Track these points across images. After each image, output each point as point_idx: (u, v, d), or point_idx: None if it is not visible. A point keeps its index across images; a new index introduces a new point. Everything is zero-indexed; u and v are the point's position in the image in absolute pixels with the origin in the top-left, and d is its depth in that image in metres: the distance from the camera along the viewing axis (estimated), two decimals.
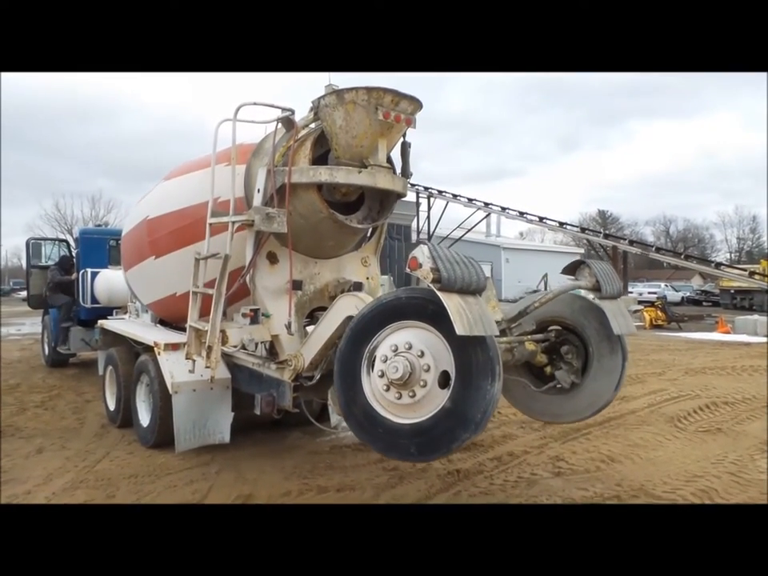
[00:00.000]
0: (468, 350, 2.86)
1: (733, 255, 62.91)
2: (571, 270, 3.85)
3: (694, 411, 6.43)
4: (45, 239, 10.91)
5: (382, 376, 3.07)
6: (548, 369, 3.76)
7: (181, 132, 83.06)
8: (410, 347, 3.01)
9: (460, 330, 2.74)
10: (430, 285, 2.87)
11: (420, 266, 2.90)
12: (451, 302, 2.82)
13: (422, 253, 2.93)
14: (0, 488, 3.48)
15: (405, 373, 2.94)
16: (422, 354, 2.98)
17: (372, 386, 3.16)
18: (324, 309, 4.59)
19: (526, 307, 3.72)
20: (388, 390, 3.05)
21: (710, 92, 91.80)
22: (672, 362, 10.19)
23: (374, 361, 3.17)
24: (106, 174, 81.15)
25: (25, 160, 79.10)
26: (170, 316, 6.07)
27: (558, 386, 3.70)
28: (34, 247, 10.31)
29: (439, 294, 2.83)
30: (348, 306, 3.79)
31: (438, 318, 2.88)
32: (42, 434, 5.75)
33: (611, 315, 3.54)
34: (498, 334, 2.96)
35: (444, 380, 2.98)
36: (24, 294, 46.33)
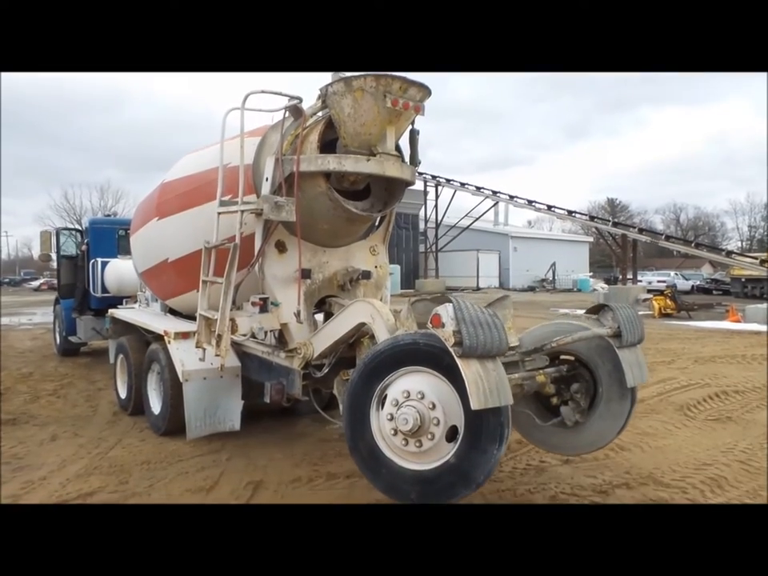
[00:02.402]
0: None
1: (744, 243, 62.32)
2: (594, 311, 3.78)
3: (703, 400, 6.41)
4: (68, 229, 10.92)
5: (391, 419, 3.06)
6: (555, 399, 3.70)
7: (189, 123, 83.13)
8: (423, 397, 2.98)
9: (475, 404, 2.74)
10: (451, 349, 2.82)
11: (443, 325, 2.85)
12: (469, 371, 2.78)
13: (446, 312, 2.86)
14: (0, 484, 3.50)
15: (414, 426, 2.93)
16: (433, 407, 2.96)
17: (380, 425, 3.15)
18: (332, 297, 4.62)
19: (542, 345, 3.64)
20: (395, 434, 3.04)
21: (722, 78, 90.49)
22: (681, 350, 10.15)
23: (384, 399, 3.14)
24: (114, 164, 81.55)
25: (33, 150, 79.54)
26: (160, 288, 6.13)
27: (563, 421, 3.67)
28: (61, 237, 10.36)
29: (458, 360, 2.79)
30: (363, 313, 3.76)
31: (453, 372, 2.85)
32: (55, 422, 5.82)
33: (627, 366, 3.48)
34: (512, 402, 2.92)
35: (452, 433, 2.98)
36: (35, 283, 46.62)
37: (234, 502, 3.73)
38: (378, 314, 3.64)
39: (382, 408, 3.13)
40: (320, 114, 4.30)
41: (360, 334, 3.92)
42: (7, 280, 55.92)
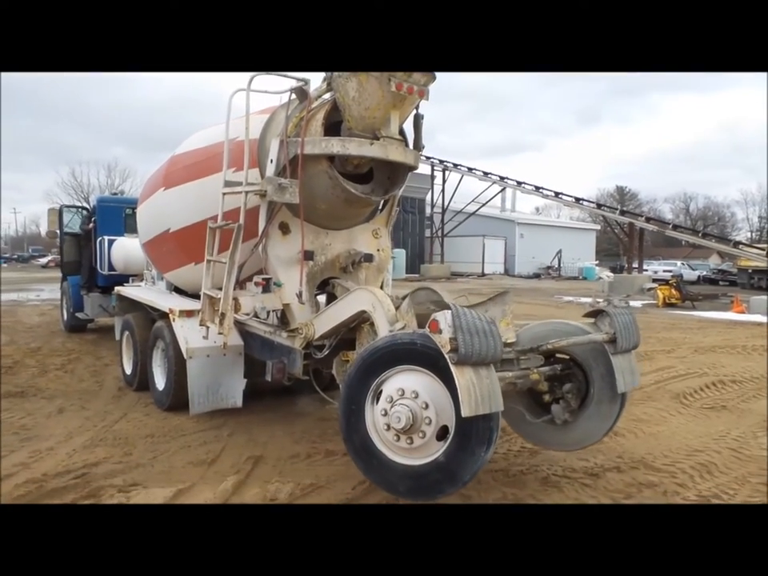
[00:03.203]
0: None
1: (754, 234, 61.82)
2: (592, 315, 3.82)
3: (700, 389, 6.47)
4: (74, 207, 11.01)
5: (385, 415, 3.13)
6: (547, 397, 3.76)
7: (197, 101, 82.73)
8: (416, 396, 3.05)
9: (466, 411, 2.81)
10: (447, 355, 2.88)
11: (440, 331, 2.91)
12: (462, 379, 2.85)
13: (444, 319, 2.92)
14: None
15: (407, 424, 3.01)
16: (426, 407, 3.03)
17: (374, 419, 3.23)
18: (334, 278, 4.69)
19: (539, 345, 3.69)
20: (388, 429, 3.12)
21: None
22: (682, 340, 10.19)
23: (380, 394, 3.21)
24: (121, 142, 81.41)
25: (43, 126, 79.42)
26: (159, 259, 6.22)
27: (552, 419, 3.74)
28: (65, 215, 10.45)
29: (452, 367, 2.85)
30: (364, 301, 3.82)
31: (448, 374, 2.90)
32: (62, 395, 5.96)
33: (619, 372, 3.54)
34: (502, 409, 2.99)
35: (442, 432, 3.05)
36: (43, 260, 46.99)
37: (234, 475, 3.84)
38: (380, 303, 3.70)
39: (377, 403, 3.21)
40: (325, 96, 4.33)
41: (361, 319, 3.99)
42: (15, 256, 56.37)
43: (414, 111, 4.36)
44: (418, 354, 3.08)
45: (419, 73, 3.98)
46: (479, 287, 25.05)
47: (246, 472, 3.93)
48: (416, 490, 3.13)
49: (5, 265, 46.25)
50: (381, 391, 3.22)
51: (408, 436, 3.07)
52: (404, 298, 4.68)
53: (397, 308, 3.80)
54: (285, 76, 4.29)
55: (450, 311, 2.93)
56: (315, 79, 4.31)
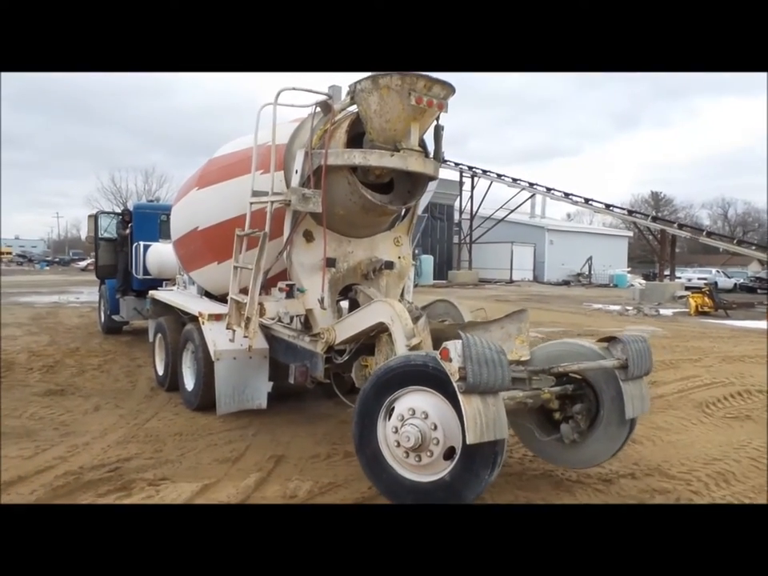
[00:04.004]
0: None
1: None
2: (606, 340, 3.89)
3: (724, 398, 6.40)
4: (111, 213, 11.48)
5: (395, 432, 3.27)
6: (557, 415, 3.84)
7: (235, 106, 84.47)
8: (426, 417, 3.18)
9: (471, 439, 2.93)
10: (455, 384, 3.00)
11: (450, 359, 3.03)
12: (469, 407, 2.96)
13: (454, 348, 3.03)
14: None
15: (416, 443, 3.15)
16: (435, 428, 3.16)
17: (386, 435, 3.37)
18: (356, 285, 4.85)
19: (551, 367, 3.76)
20: (398, 446, 3.26)
21: None
22: (711, 349, 10.02)
23: (392, 411, 3.35)
24: (160, 148, 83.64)
25: (87, 133, 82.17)
26: (187, 258, 6.47)
27: (561, 438, 3.82)
28: (102, 220, 10.92)
29: (460, 395, 2.97)
30: (384, 314, 3.96)
31: (456, 397, 3.02)
32: (98, 394, 6.26)
33: (628, 398, 3.62)
34: (507, 436, 3.12)
35: (449, 452, 3.18)
36: (82, 263, 48.33)
37: (257, 472, 4.02)
38: (398, 317, 3.84)
39: (389, 419, 3.35)
40: (348, 109, 4.51)
41: (380, 329, 4.13)
42: (57, 259, 58.38)
43: (435, 123, 4.50)
44: (429, 376, 3.21)
45: (439, 86, 4.12)
46: (507, 294, 24.95)
47: (268, 470, 4.10)
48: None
49: (47, 268, 47.99)
50: (393, 408, 3.36)
51: (417, 454, 3.21)
52: (424, 308, 4.82)
53: (416, 319, 3.93)
54: (309, 91, 4.49)
55: (460, 341, 3.04)
56: (340, 79, 4.47)
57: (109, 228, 10.88)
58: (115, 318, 10.08)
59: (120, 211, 11.15)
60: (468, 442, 2.95)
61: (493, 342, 3.18)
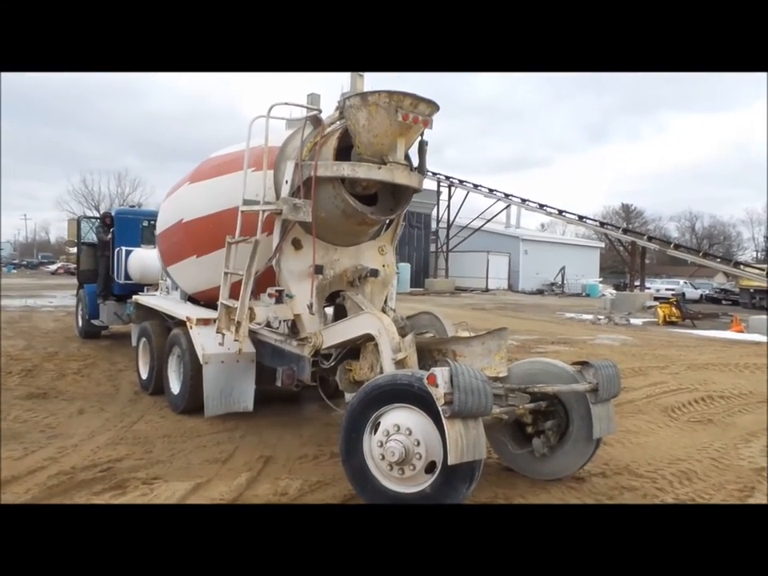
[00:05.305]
0: None
1: (759, 254, 61.85)
2: (579, 363, 4.17)
3: (689, 403, 6.75)
4: (92, 218, 11.45)
5: (380, 446, 3.46)
6: (530, 429, 4.11)
7: (210, 113, 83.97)
8: (410, 433, 3.38)
9: (452, 459, 3.14)
10: (440, 408, 3.19)
11: (437, 385, 3.23)
12: (452, 430, 3.16)
13: (441, 375, 3.22)
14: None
15: (399, 458, 3.35)
16: (418, 444, 3.36)
17: (371, 448, 3.56)
18: (343, 291, 5.02)
19: (526, 387, 4.00)
20: (383, 459, 3.46)
21: (747, 82, 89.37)
22: (678, 357, 10.44)
23: (377, 426, 3.55)
24: (133, 152, 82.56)
25: (56, 135, 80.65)
26: (168, 251, 6.58)
27: (532, 451, 4.08)
28: (82, 225, 10.89)
29: (444, 420, 3.18)
30: (371, 326, 4.16)
31: (439, 416, 3.23)
32: (81, 398, 6.29)
33: (596, 420, 3.91)
34: (485, 457, 3.35)
35: (430, 466, 3.39)
36: (52, 267, 47.38)
37: (247, 472, 4.15)
38: (386, 331, 4.04)
39: (375, 433, 3.54)
40: (337, 123, 4.71)
41: (367, 338, 4.30)
42: (25, 262, 57.11)
43: (419, 138, 4.72)
44: (414, 395, 3.41)
45: (424, 104, 4.35)
46: (483, 302, 25.35)
47: (258, 469, 4.24)
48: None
49: (14, 271, 46.90)
50: (379, 423, 3.55)
51: (400, 467, 3.41)
52: (408, 318, 5.01)
53: (401, 329, 4.10)
54: (300, 106, 4.69)
55: (448, 369, 3.25)
56: (326, 80, 4.64)
57: (87, 234, 10.86)
58: (95, 322, 10.05)
59: (101, 215, 11.13)
60: (449, 463, 3.16)
61: (478, 372, 3.40)
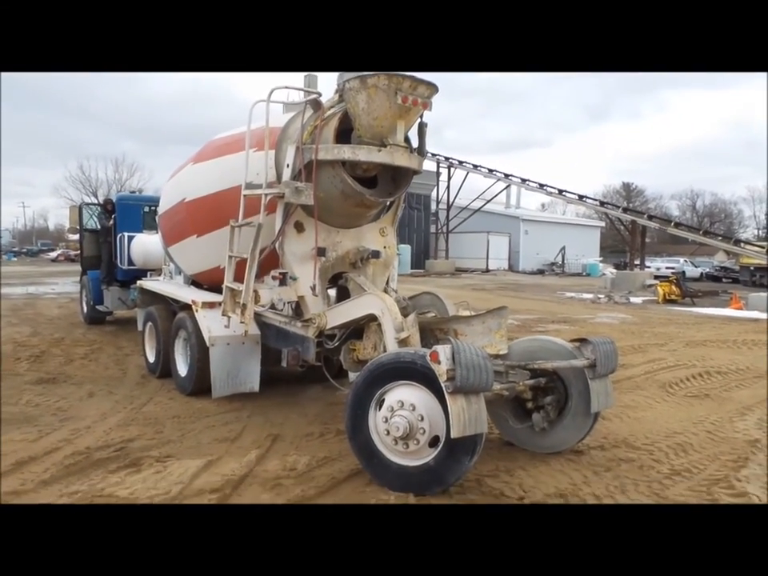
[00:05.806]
0: None
1: (760, 232, 61.73)
2: (578, 340, 4.25)
3: (686, 379, 6.87)
4: (93, 204, 11.49)
5: (385, 422, 3.57)
6: (530, 404, 4.20)
7: (207, 96, 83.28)
8: (414, 409, 3.49)
9: (455, 433, 3.25)
10: (443, 384, 3.29)
11: (439, 362, 3.31)
12: (455, 405, 3.26)
13: (443, 352, 3.30)
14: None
15: (404, 433, 3.46)
16: (422, 419, 3.47)
17: (376, 423, 3.67)
18: (345, 273, 5.10)
19: (526, 363, 4.11)
20: (388, 434, 3.57)
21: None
22: (676, 334, 10.56)
23: (382, 402, 3.65)
24: (130, 137, 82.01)
25: (53, 121, 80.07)
26: (169, 231, 6.64)
27: (532, 426, 4.19)
28: (84, 212, 10.94)
29: (447, 395, 3.28)
30: (375, 306, 4.25)
31: (442, 392, 3.32)
32: (90, 381, 6.41)
33: (594, 395, 4.01)
34: (486, 430, 3.44)
35: (434, 440, 3.50)
36: (53, 254, 47.36)
37: (256, 449, 4.28)
38: (388, 311, 4.13)
39: (380, 409, 3.66)
40: (337, 107, 4.74)
41: (370, 318, 4.40)
42: (25, 250, 57.13)
43: (419, 120, 4.76)
44: (417, 372, 3.51)
45: (423, 86, 4.39)
46: (483, 283, 25.44)
47: (267, 447, 4.37)
48: (408, 486, 3.59)
49: (14, 259, 46.97)
50: (383, 400, 3.66)
51: (404, 442, 3.53)
52: (410, 298, 5.10)
53: (403, 309, 4.19)
54: (300, 89, 4.72)
55: (450, 346, 3.35)
56: (328, 78, 4.70)
57: (89, 220, 10.91)
58: (99, 308, 10.15)
59: (102, 202, 11.17)
60: (452, 437, 3.27)
61: (480, 349, 3.49)
